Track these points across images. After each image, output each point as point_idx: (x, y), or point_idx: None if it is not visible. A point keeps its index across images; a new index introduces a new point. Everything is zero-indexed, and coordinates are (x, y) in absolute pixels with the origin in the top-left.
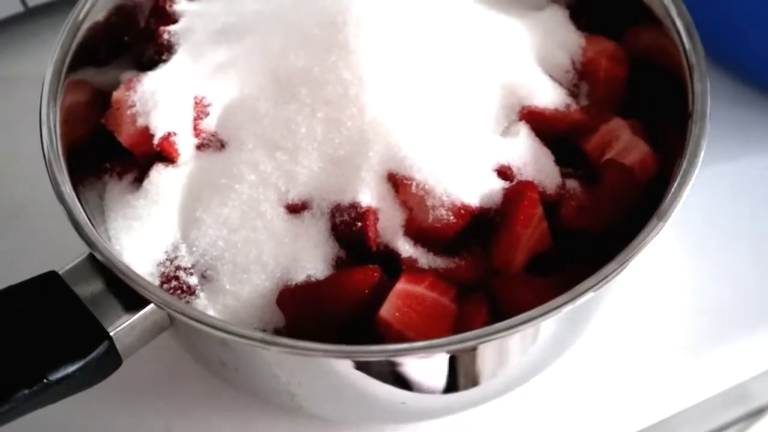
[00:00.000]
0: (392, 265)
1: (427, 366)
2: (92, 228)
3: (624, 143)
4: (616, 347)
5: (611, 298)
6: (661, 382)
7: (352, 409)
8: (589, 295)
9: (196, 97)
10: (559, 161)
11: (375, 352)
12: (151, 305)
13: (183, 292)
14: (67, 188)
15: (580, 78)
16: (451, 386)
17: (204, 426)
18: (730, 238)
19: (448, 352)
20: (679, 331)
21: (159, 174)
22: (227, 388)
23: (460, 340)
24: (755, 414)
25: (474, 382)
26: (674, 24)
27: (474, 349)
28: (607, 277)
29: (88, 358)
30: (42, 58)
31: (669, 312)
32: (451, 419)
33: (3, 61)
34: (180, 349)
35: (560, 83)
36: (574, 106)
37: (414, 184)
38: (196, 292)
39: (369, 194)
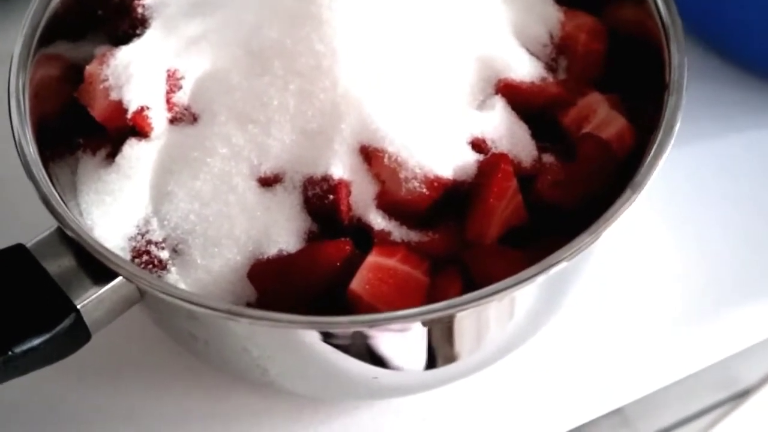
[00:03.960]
0: (365, 238)
1: (397, 339)
2: (60, 201)
3: (601, 117)
4: (598, 323)
5: (588, 271)
6: (644, 358)
7: (324, 384)
8: (564, 264)
9: (168, 71)
10: (536, 136)
11: (343, 323)
12: (120, 278)
13: (154, 266)
14: (36, 162)
15: (559, 52)
16: (424, 360)
17: (177, 403)
18: (714, 214)
19: (414, 321)
20: (663, 307)
21: (132, 148)
22: (200, 365)
23: (427, 311)
24: (740, 396)
25: (448, 356)
26: None
27: (448, 319)
28: (580, 247)
29: (55, 331)
30: (11, 36)
31: (652, 289)
32: (432, 395)
33: None
34: (152, 326)
35: (538, 57)
36: (550, 80)
37: (386, 156)
38: (168, 266)
39: (341, 167)
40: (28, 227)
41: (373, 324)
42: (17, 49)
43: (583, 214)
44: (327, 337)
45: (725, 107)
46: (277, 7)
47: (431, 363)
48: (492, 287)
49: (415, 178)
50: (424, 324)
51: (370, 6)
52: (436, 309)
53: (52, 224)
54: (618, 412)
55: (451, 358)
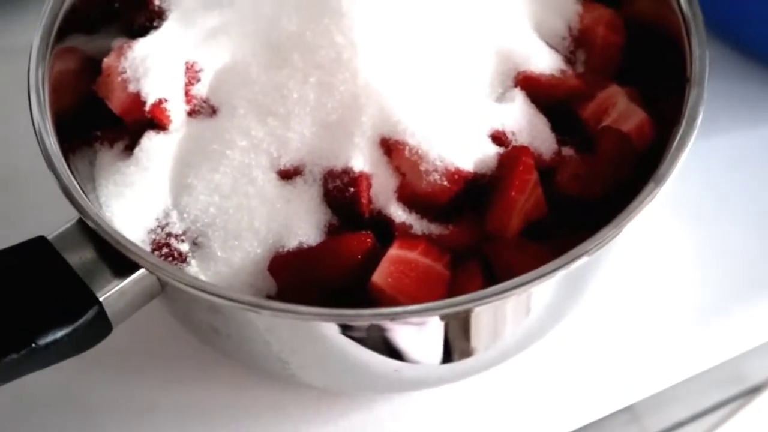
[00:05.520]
0: (385, 231)
1: (420, 332)
2: (81, 193)
3: (621, 110)
4: (612, 319)
5: (608, 265)
6: (658, 354)
7: (345, 377)
8: (585, 258)
9: (187, 63)
10: (554, 129)
11: (367, 315)
12: (141, 270)
13: (174, 259)
14: (56, 154)
15: (577, 45)
16: (445, 354)
17: (194, 396)
18: (727, 211)
19: (439, 315)
20: (676, 304)
21: (150, 141)
22: (218, 357)
23: (450, 304)
24: (750, 393)
25: (468, 350)
26: None
27: (467, 313)
28: (603, 240)
29: (77, 324)
30: (30, 30)
31: (666, 285)
32: (448, 389)
33: None
34: (172, 319)
35: (556, 50)
36: (570, 73)
37: (407, 148)
38: (188, 259)
39: (362, 159)
40: (47, 221)
41: (395, 317)
42: (36, 43)
43: (601, 207)
44: (350, 330)
45: (741, 101)
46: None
47: (451, 356)
48: (513, 281)
49: (435, 170)
50: (448, 317)
51: None
52: (457, 303)
53: (71, 216)
54: (628, 408)
55: (470, 352)
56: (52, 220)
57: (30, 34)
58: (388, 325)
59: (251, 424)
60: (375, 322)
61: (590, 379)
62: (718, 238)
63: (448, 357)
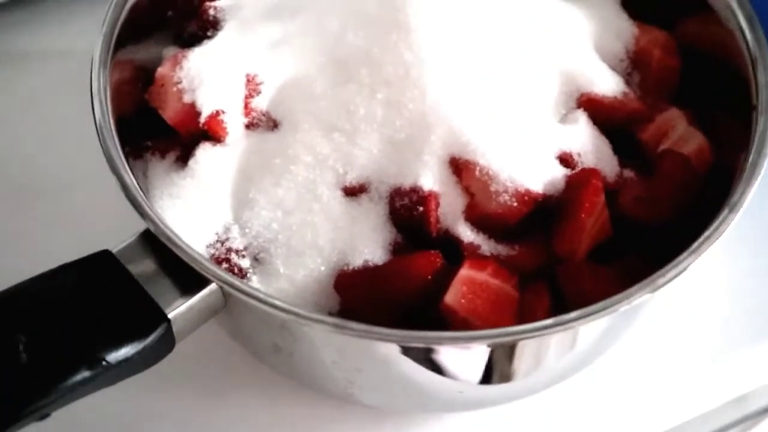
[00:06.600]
0: (449, 251)
1: (493, 355)
2: (150, 205)
3: (680, 133)
4: (643, 349)
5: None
6: (687, 384)
7: (407, 396)
8: (664, 287)
9: (248, 75)
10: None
11: (461, 338)
12: (210, 286)
13: (234, 275)
14: (121, 162)
15: (633, 67)
16: (511, 376)
17: (241, 412)
18: (763, 243)
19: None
20: (708, 335)
21: (205, 153)
22: (264, 373)
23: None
24: (756, 416)
25: (535, 370)
26: (734, 15)
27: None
28: (680, 268)
29: (147, 341)
30: (75, 34)
31: (698, 316)
32: (490, 411)
33: (37, 36)
34: (216, 331)
35: (616, 72)
36: (631, 95)
37: (478, 168)
38: (248, 275)
39: (431, 178)
40: (97, 229)
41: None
42: (97, 51)
43: (663, 229)
44: (426, 352)
45: None
46: (363, 15)
47: (515, 378)
48: (595, 306)
49: (506, 191)
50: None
51: (456, 17)
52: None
53: (120, 226)
54: None
55: (533, 373)
56: (105, 230)
57: (71, 37)
58: (466, 348)
59: None
60: (470, 345)
61: (623, 407)
62: (755, 268)
63: (513, 379)
